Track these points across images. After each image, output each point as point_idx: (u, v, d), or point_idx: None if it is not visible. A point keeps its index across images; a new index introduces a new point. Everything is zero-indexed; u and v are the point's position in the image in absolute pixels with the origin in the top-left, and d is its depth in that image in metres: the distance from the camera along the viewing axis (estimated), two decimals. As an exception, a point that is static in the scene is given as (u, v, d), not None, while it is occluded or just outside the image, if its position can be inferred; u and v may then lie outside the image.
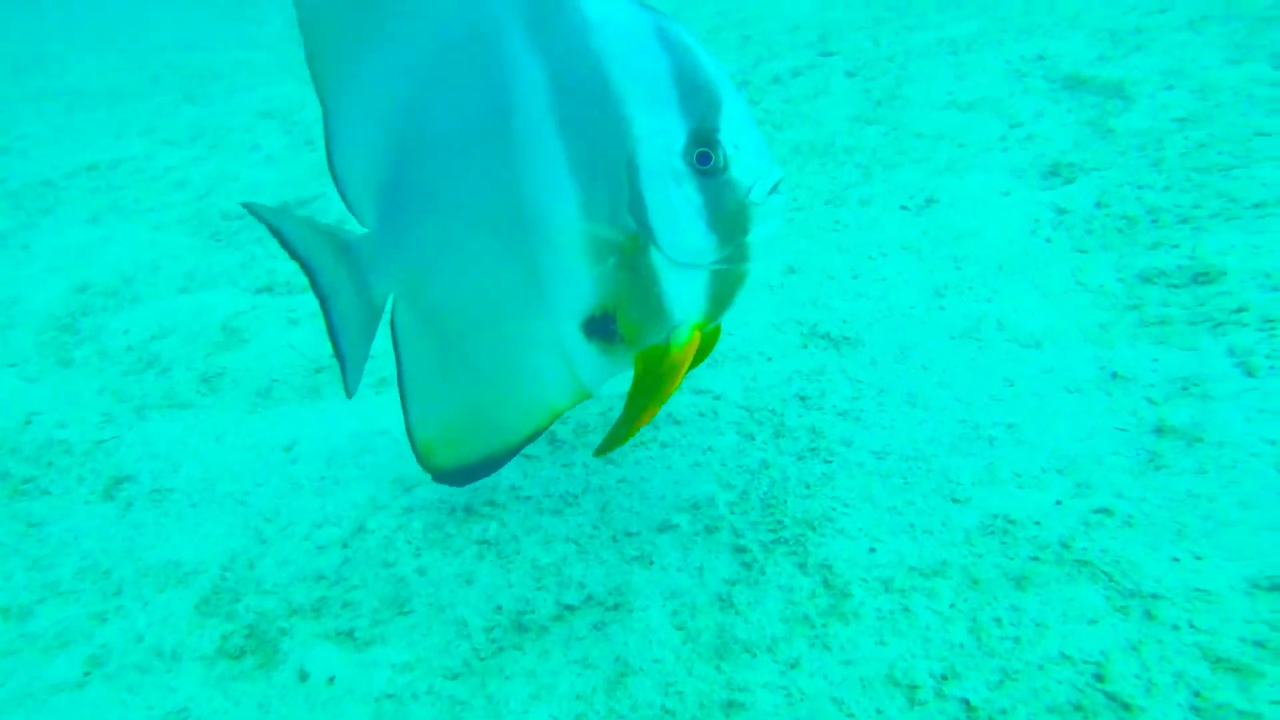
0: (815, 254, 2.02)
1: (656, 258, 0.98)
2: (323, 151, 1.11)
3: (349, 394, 1.20)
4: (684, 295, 1.01)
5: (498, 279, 1.05)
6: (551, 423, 1.14)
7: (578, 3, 0.97)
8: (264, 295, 2.39)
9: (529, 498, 1.47)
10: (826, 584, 1.18)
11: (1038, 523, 1.19)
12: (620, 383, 1.40)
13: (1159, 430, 1.28)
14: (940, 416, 1.41)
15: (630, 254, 0.99)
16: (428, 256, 1.08)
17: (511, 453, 1.17)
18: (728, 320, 1.70)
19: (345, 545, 1.43)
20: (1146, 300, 1.64)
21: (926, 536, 1.21)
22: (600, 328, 1.05)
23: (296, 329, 2.17)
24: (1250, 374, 1.34)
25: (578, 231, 0.98)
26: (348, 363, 1.20)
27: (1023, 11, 3.26)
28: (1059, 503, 1.21)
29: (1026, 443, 1.32)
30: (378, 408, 1.83)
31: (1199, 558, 1.08)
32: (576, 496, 1.45)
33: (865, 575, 1.18)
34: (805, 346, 1.68)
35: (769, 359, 1.67)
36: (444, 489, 1.50)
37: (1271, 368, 1.34)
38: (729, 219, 0.97)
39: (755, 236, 0.99)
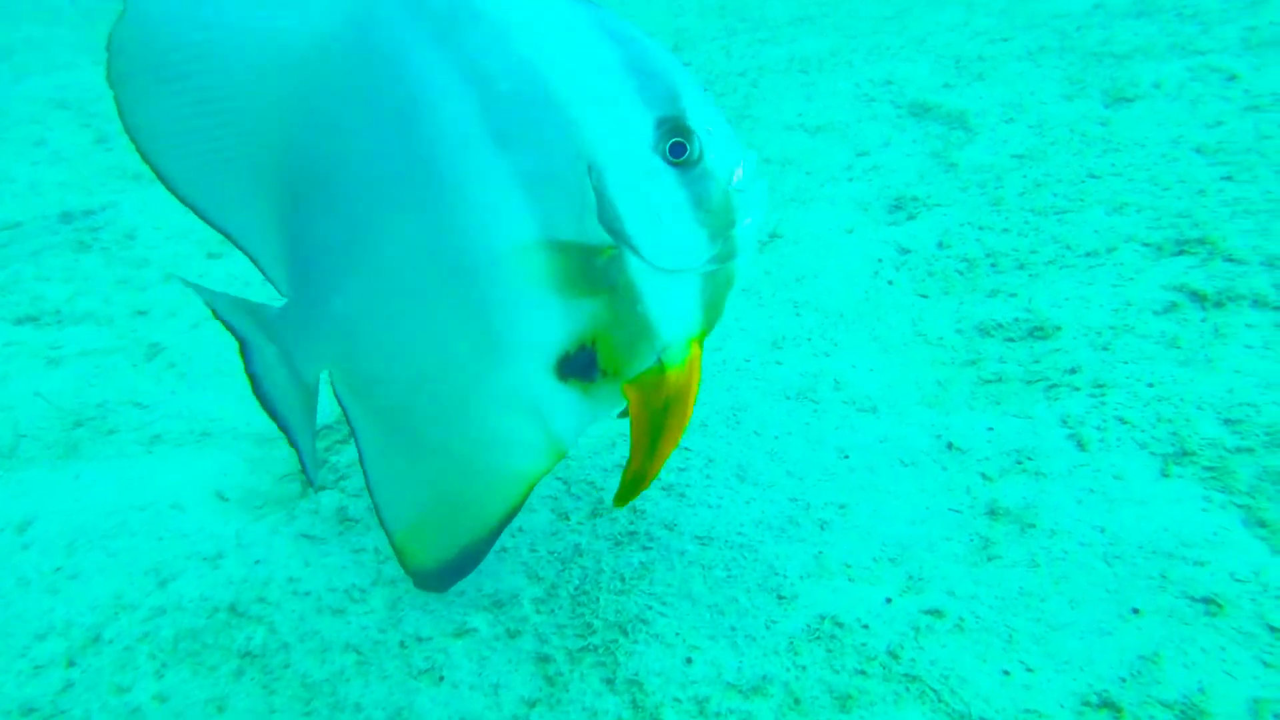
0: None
1: (637, 268, 0.86)
2: (120, 152, 0.86)
3: (311, 483, 1.09)
4: (674, 307, 0.89)
5: (442, 335, 0.90)
6: (528, 495, 0.99)
7: (494, 5, 0.85)
8: (25, 327, 2.05)
9: (308, 593, 1.26)
10: (635, 705, 1.03)
11: (866, 626, 1.08)
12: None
13: (992, 513, 1.20)
14: (770, 494, 1.29)
15: (606, 269, 0.86)
16: (355, 322, 0.93)
17: (490, 539, 1.02)
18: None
19: (71, 664, 1.18)
20: (984, 355, 1.58)
21: (749, 643, 1.08)
22: (577, 365, 0.91)
23: (56, 371, 1.86)
24: (1081, 447, 1.28)
25: (537, 257, 0.85)
26: (301, 450, 1.06)
27: (872, 30, 3.24)
28: (889, 600, 1.11)
29: (858, 527, 1.21)
30: (146, 470, 1.57)
31: (1030, 669, 1.00)
32: (364, 591, 1.25)
33: (679, 694, 1.04)
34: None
35: (594, 418, 1.52)
36: (207, 586, 1.27)
37: (1102, 440, 1.29)
38: (716, 211, 0.86)
39: (742, 228, 0.88)
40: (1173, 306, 1.58)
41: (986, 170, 2.18)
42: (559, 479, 1.38)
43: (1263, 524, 1.15)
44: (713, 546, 1.22)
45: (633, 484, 0.94)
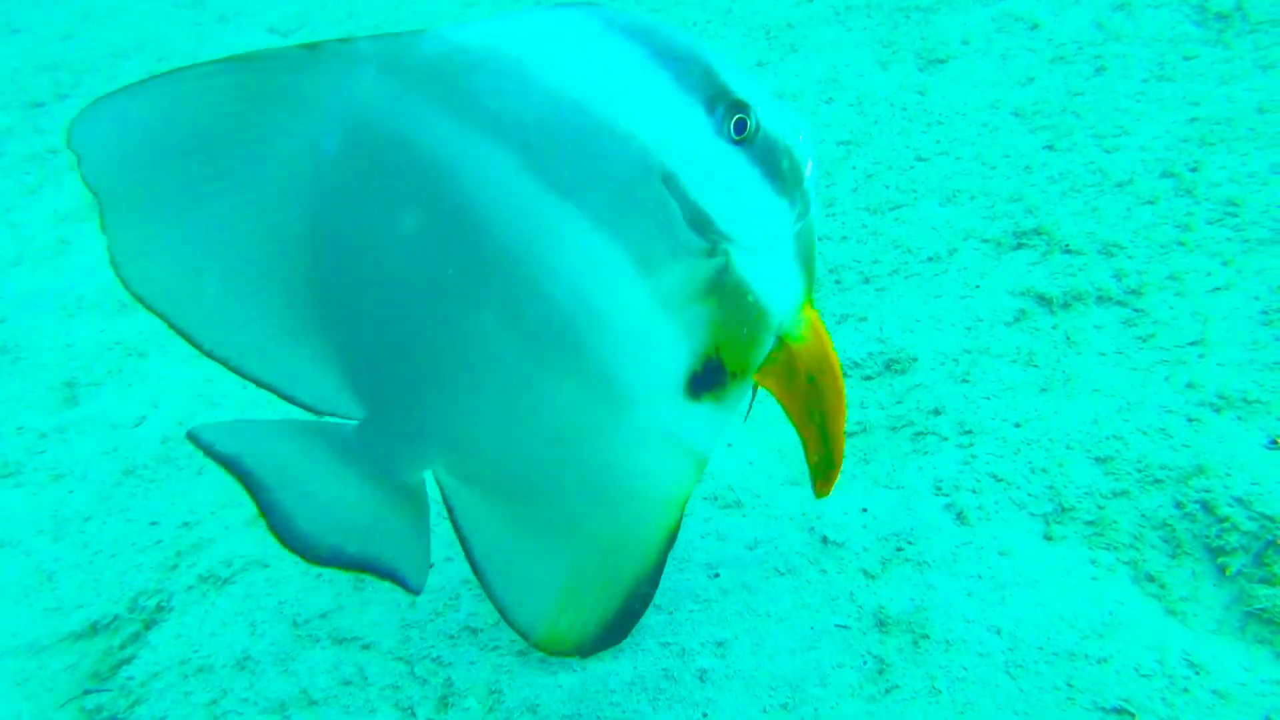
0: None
1: (737, 259, 0.82)
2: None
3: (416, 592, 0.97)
4: (779, 282, 0.85)
5: (559, 403, 0.82)
6: (683, 512, 0.94)
7: (487, 43, 0.77)
8: None
9: None
10: None
11: (768, 806, 0.95)
12: None
13: (881, 624, 1.09)
14: (641, 640, 1.14)
15: (709, 274, 0.81)
16: (460, 415, 0.85)
17: (655, 573, 0.96)
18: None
19: None
20: (846, 400, 1.46)
21: None
22: (707, 380, 0.85)
23: None
24: (961, 519, 1.19)
25: (640, 292, 0.79)
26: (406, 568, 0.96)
27: (673, 2, 3.06)
28: (788, 763, 0.99)
29: (742, 671, 1.08)
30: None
31: (949, 832, 0.90)
32: None
33: None
34: (476, 538, 1.35)
35: (449, 559, 1.32)
36: None
37: (980, 509, 1.20)
38: (787, 174, 0.82)
39: (809, 179, 0.85)
40: (1022, 315, 1.51)
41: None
42: (400, 659, 1.19)
43: (1151, 578, 1.09)
44: (585, 726, 1.07)
45: (822, 470, 0.92)
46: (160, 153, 0.79)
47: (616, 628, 0.99)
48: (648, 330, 0.80)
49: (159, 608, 1.41)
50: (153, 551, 1.50)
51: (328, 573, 1.37)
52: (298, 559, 0.90)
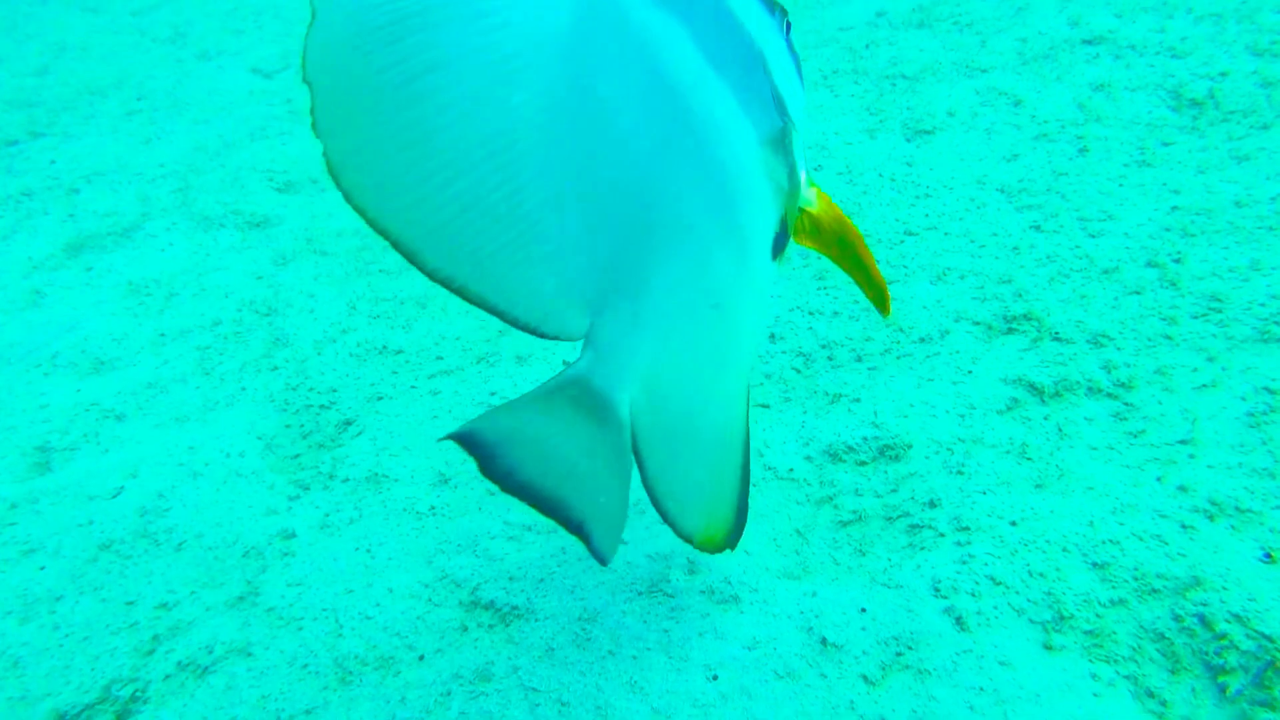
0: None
1: (791, 135, 0.91)
2: None
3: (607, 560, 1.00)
4: (804, 156, 0.94)
5: (719, 269, 0.87)
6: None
7: None
8: None
9: None
10: None
11: None
12: None
13: (884, 735, 1.09)
14: (641, 748, 1.13)
15: (787, 146, 0.90)
16: (662, 315, 0.87)
17: (748, 463, 1.06)
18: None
19: None
20: (839, 487, 1.47)
21: None
22: (780, 240, 0.94)
23: None
24: (961, 625, 1.19)
25: (759, 159, 0.87)
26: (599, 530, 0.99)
27: (665, 58, 3.08)
28: None
29: (744, 786, 1.07)
30: None
31: None
32: None
33: None
34: (464, 629, 1.33)
35: (439, 651, 1.30)
36: None
37: (979, 614, 1.20)
38: (799, 65, 0.97)
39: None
40: (1014, 403, 1.53)
41: (804, 236, 2.07)
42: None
43: (1151, 694, 1.10)
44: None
45: (878, 298, 1.02)
46: (380, 35, 0.73)
47: (739, 520, 1.11)
48: (763, 196, 0.89)
49: (134, 698, 1.36)
50: (128, 635, 1.45)
51: (312, 664, 1.34)
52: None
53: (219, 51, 3.59)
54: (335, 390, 1.91)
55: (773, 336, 1.84)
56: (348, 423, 1.84)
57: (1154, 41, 2.43)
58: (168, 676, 1.37)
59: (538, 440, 0.90)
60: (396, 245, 0.74)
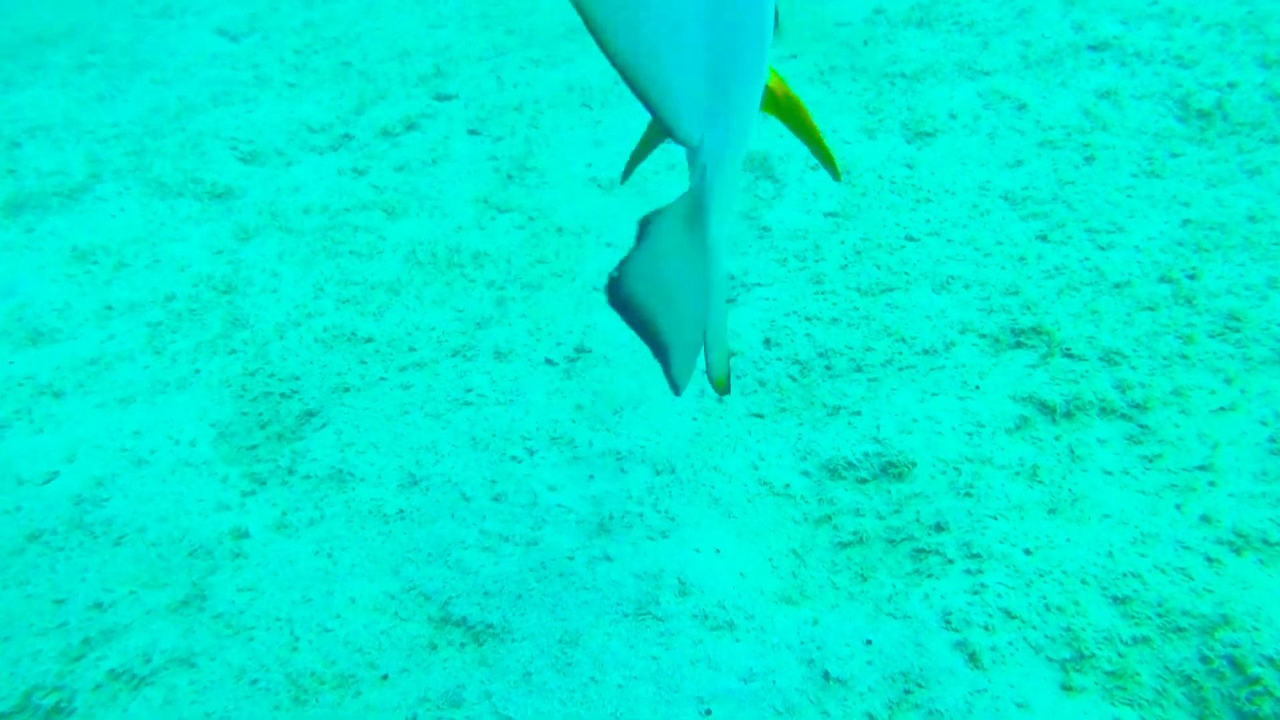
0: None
1: None
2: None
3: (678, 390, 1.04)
4: None
5: (761, 64, 0.98)
6: None
7: None
8: None
9: None
10: None
11: None
12: None
13: (892, 783, 1.00)
14: (626, 788, 1.02)
15: None
16: (736, 142, 0.97)
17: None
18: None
19: None
20: (838, 505, 1.38)
21: None
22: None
23: None
24: (974, 662, 1.11)
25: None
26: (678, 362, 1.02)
27: (655, 44, 2.97)
28: None
29: (740, 835, 0.97)
30: None
31: None
32: None
33: None
34: (433, 647, 1.21)
35: (405, 670, 1.18)
36: None
37: (994, 649, 1.11)
38: None
39: None
40: (1024, 422, 1.45)
41: (803, 236, 1.98)
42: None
43: (1175, 743, 1.02)
44: None
45: (828, 161, 1.18)
46: None
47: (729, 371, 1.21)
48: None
49: (57, 709, 1.23)
50: (55, 636, 1.31)
51: (263, 679, 1.22)
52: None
53: (182, 9, 3.40)
54: (298, 378, 1.78)
55: (768, 342, 1.74)
56: (310, 414, 1.71)
57: (1160, 49, 2.37)
58: (97, 686, 1.24)
59: (657, 261, 0.95)
60: (589, 21, 0.77)
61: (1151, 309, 1.60)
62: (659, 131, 1.09)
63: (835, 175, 1.19)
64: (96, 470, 1.54)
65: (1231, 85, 2.18)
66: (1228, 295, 1.58)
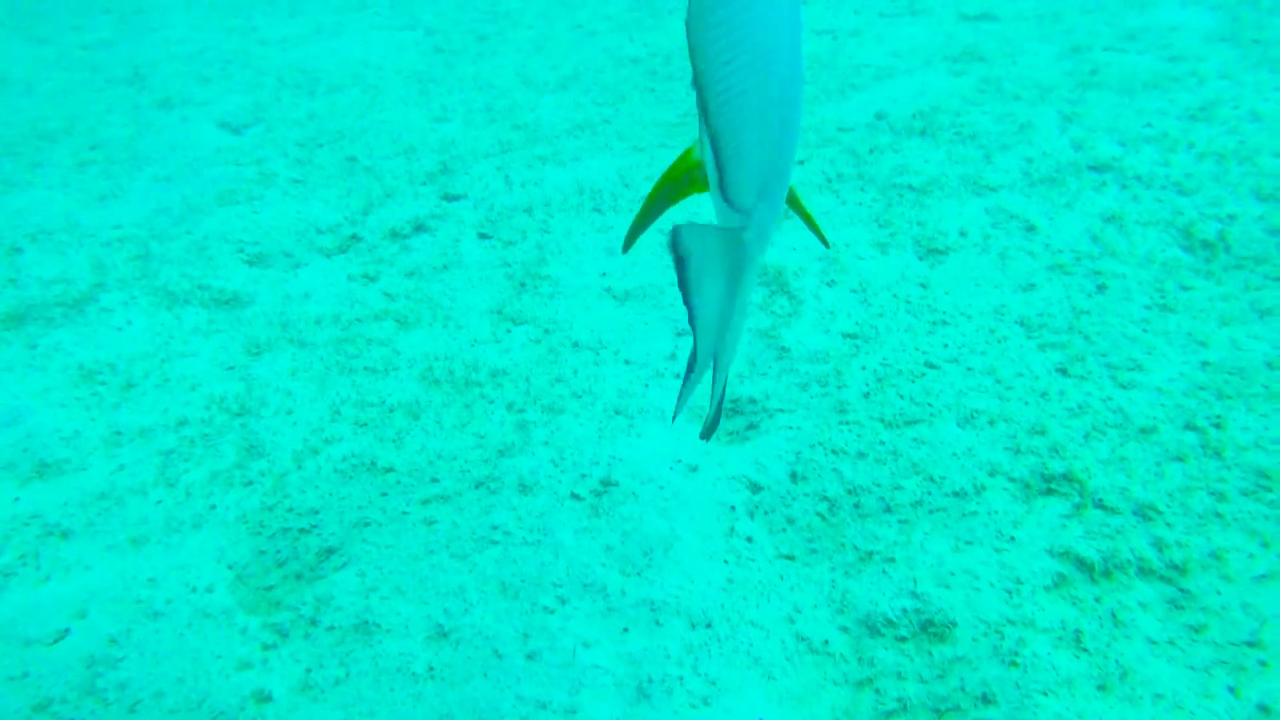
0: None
1: None
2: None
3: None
4: None
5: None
6: None
7: None
8: None
9: None
10: None
11: None
12: None
13: None
14: None
15: None
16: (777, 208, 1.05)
17: None
18: None
19: None
20: (879, 669, 1.36)
21: None
22: None
23: None
24: None
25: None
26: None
27: (659, 140, 3.00)
28: None
29: None
30: None
31: None
32: None
33: None
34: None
35: None
36: None
37: None
38: None
39: None
40: (1062, 580, 1.45)
41: (823, 360, 1.99)
42: None
43: None
44: None
45: (818, 234, 1.31)
46: None
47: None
48: None
49: None
50: (68, 820, 1.25)
51: None
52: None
53: (183, 100, 3.39)
54: (317, 512, 1.73)
55: (794, 476, 1.73)
56: (330, 550, 1.67)
57: (1160, 175, 2.44)
58: None
59: (704, 258, 1.06)
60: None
61: (1180, 459, 1.61)
62: (663, 199, 1.17)
63: (824, 243, 1.32)
64: (110, 626, 1.48)
65: (1232, 217, 2.24)
66: (1256, 449, 1.60)
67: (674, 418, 1.28)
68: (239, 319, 2.27)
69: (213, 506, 1.72)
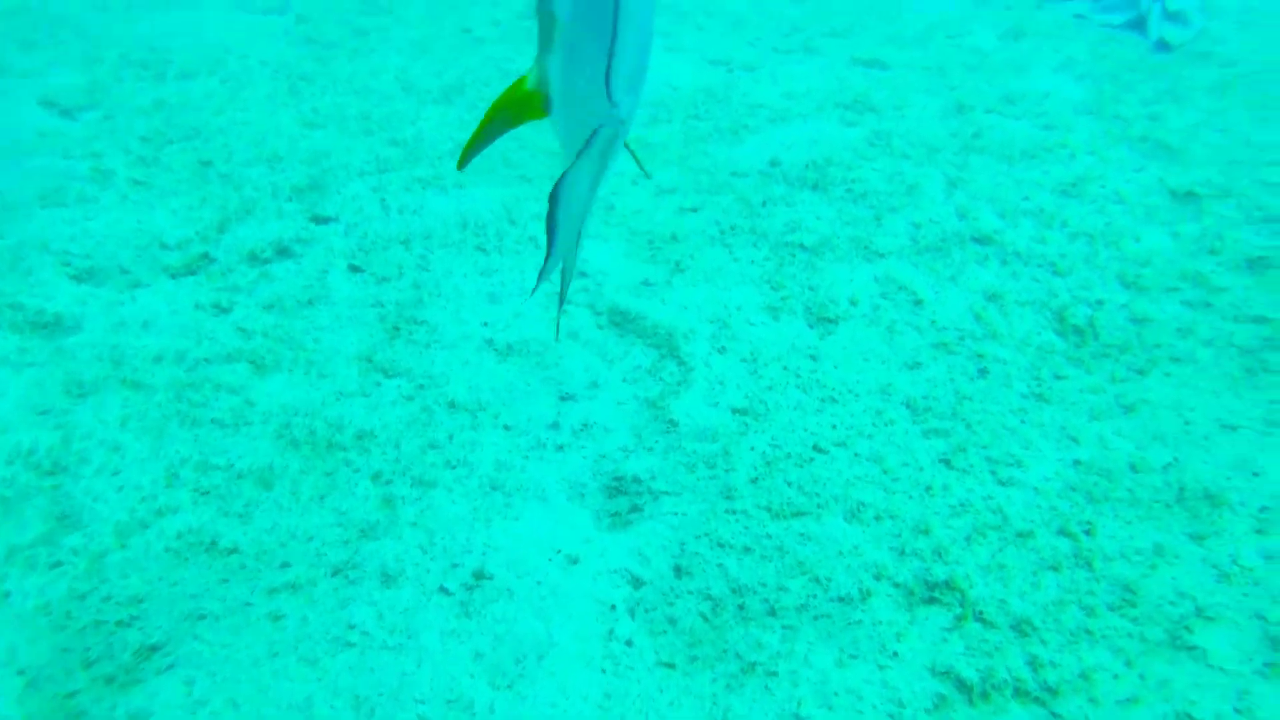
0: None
1: None
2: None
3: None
4: None
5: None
6: None
7: None
8: None
9: None
10: None
11: None
12: None
13: None
14: None
15: None
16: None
17: None
18: None
19: None
20: None
21: None
22: None
23: None
24: None
25: None
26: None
27: (550, 175, 2.86)
28: None
29: None
30: None
31: None
32: None
33: None
34: None
35: None
36: None
37: None
38: None
39: None
40: (942, 702, 1.44)
41: (710, 437, 1.92)
42: None
43: None
44: None
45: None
46: None
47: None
48: None
49: None
50: None
51: None
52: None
53: (3, 68, 2.96)
54: (141, 601, 1.52)
55: (678, 570, 1.66)
56: (153, 649, 1.46)
57: (1037, 253, 2.52)
58: None
59: (576, 182, 1.24)
60: None
61: (1055, 569, 1.64)
62: (503, 122, 1.23)
63: (646, 174, 1.50)
64: None
65: (1099, 303, 2.33)
66: (1121, 560, 1.65)
67: (533, 292, 1.68)
68: (60, 350, 1.98)
69: (6, 594, 1.47)
